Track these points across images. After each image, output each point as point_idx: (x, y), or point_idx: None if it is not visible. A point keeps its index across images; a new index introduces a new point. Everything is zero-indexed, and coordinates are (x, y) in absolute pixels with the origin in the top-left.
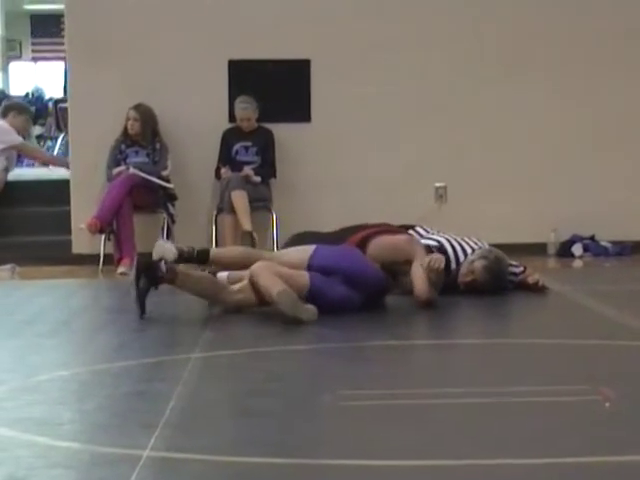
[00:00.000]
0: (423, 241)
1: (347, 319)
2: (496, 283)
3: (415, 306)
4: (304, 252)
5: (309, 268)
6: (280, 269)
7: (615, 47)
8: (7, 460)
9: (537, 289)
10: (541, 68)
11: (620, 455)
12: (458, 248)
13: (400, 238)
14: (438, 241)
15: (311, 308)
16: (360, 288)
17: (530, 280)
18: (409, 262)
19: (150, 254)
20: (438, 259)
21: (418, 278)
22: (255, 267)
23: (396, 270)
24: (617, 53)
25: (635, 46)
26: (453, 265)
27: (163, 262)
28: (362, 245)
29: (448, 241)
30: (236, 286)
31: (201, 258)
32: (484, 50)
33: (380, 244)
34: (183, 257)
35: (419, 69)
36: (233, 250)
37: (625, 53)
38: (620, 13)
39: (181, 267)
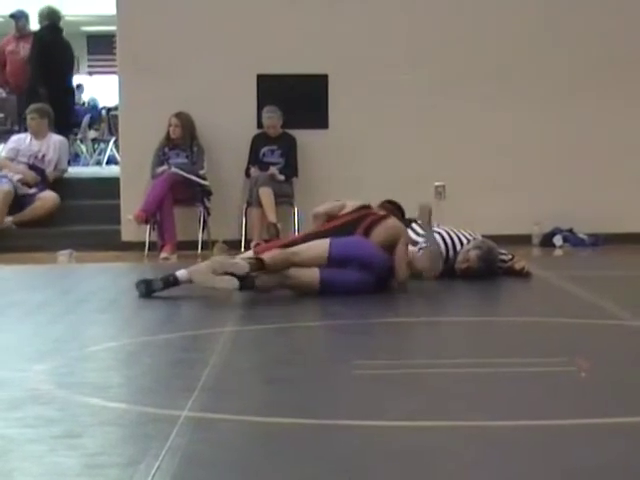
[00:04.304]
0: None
1: (358, 299)
2: (488, 269)
3: (394, 285)
4: (321, 247)
5: (329, 259)
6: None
7: (595, 65)
8: (65, 418)
9: (523, 274)
10: (526, 83)
11: (594, 418)
12: (455, 239)
13: (391, 225)
14: (438, 233)
15: (226, 279)
16: (373, 271)
17: (517, 266)
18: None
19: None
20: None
21: (402, 261)
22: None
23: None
24: (590, 71)
25: (610, 62)
26: (451, 253)
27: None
28: (366, 233)
29: (447, 233)
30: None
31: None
32: (480, 66)
33: (381, 231)
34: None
35: (420, 84)
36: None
37: (600, 70)
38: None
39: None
